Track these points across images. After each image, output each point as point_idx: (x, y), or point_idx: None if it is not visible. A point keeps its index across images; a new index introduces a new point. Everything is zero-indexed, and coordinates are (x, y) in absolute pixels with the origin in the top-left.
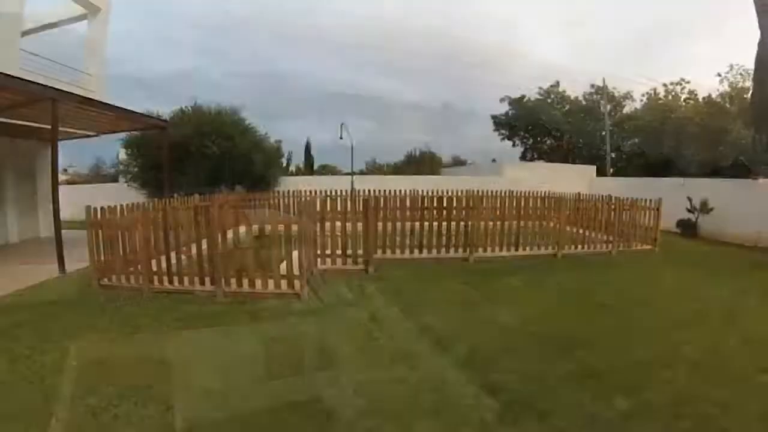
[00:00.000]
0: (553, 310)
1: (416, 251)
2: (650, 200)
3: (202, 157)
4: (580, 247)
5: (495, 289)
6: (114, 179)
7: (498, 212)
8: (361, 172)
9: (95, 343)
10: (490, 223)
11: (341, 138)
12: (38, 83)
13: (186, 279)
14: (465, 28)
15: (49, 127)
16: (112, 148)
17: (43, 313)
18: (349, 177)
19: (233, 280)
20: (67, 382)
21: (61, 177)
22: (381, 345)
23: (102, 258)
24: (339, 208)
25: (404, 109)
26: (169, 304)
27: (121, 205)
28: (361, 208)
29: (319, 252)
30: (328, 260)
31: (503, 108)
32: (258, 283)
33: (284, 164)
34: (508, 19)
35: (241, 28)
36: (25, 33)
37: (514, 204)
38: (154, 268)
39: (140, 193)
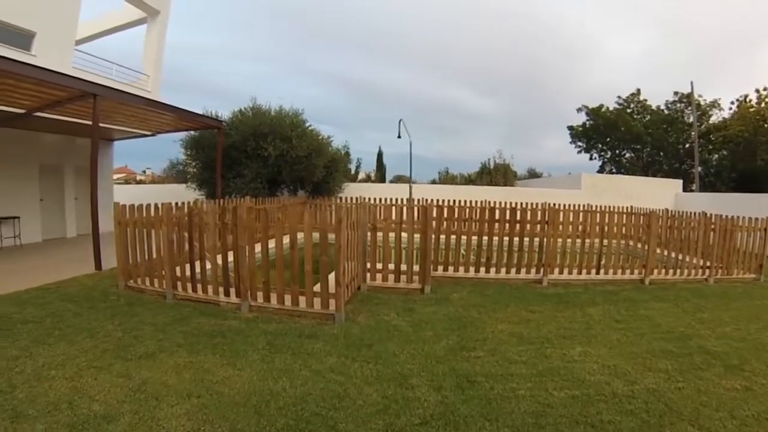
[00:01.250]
0: (645, 356)
1: (482, 269)
2: (756, 219)
3: (258, 158)
4: (671, 272)
5: (571, 321)
6: (184, 180)
7: (578, 228)
8: (433, 182)
9: (70, 359)
10: (568, 241)
11: (399, 137)
12: (81, 79)
13: (210, 288)
14: (542, 37)
15: (108, 126)
16: None
17: (54, 310)
18: (424, 187)
19: (260, 294)
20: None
21: (140, 176)
22: (413, 408)
23: (129, 258)
24: (394, 217)
25: (479, 121)
26: (187, 314)
27: (148, 205)
28: (419, 218)
29: (369, 266)
30: (379, 276)
31: (580, 118)
32: (288, 299)
33: (352, 171)
34: (585, 25)
35: (319, 38)
36: (88, 38)
37: (597, 220)
38: (178, 274)
39: (199, 193)
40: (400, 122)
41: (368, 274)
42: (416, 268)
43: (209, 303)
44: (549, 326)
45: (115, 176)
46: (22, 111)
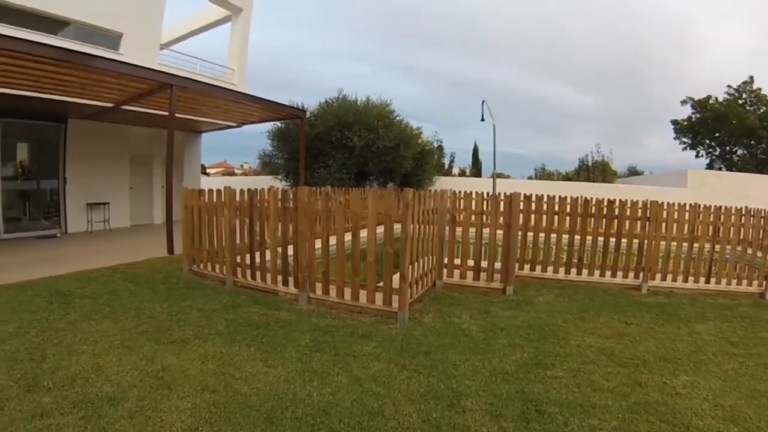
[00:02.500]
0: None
1: (572, 271)
2: None
3: (344, 149)
4: None
5: (674, 339)
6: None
7: (685, 229)
8: (529, 179)
9: (106, 336)
10: (673, 244)
11: (482, 119)
12: (157, 70)
13: (269, 276)
14: (641, 26)
15: (193, 118)
16: None
17: (113, 289)
18: (515, 181)
19: (319, 285)
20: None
21: (237, 170)
22: None
23: (194, 243)
24: (474, 207)
25: (579, 118)
26: (241, 302)
27: (211, 190)
28: (503, 210)
29: (446, 261)
30: (457, 273)
31: (685, 111)
32: (348, 292)
33: (446, 166)
34: (688, 11)
35: (415, 38)
36: (178, 39)
37: (710, 219)
38: (239, 260)
39: (285, 184)
40: (483, 103)
41: (445, 270)
42: (498, 265)
43: (268, 292)
44: (647, 344)
45: (215, 170)
46: (111, 104)
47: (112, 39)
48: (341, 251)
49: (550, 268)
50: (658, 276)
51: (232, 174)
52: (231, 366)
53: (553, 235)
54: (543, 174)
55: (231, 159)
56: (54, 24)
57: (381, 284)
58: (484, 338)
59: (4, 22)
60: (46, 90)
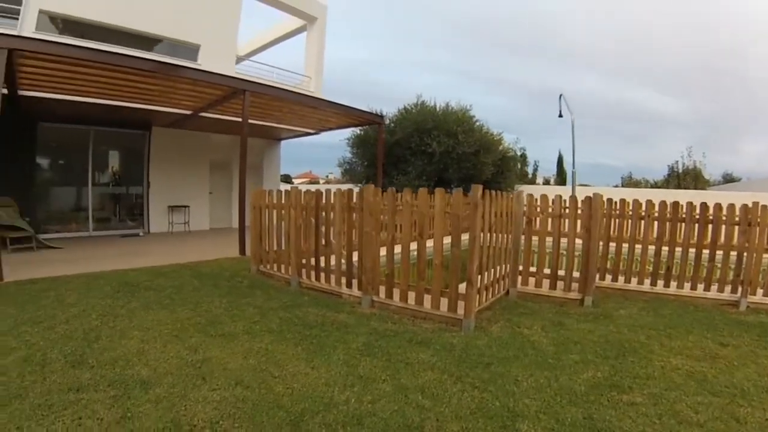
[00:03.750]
0: None
1: (659, 283)
2: None
3: (423, 155)
4: None
5: None
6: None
7: None
8: (615, 187)
9: (159, 325)
10: None
11: (560, 116)
12: (229, 76)
13: (333, 278)
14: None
15: (271, 124)
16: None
17: (179, 283)
18: (599, 189)
19: (383, 288)
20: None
21: (322, 180)
22: None
23: (262, 243)
24: (551, 210)
25: (668, 126)
26: (302, 302)
27: (279, 191)
28: (582, 213)
29: (521, 268)
30: (533, 280)
31: None
32: (412, 297)
33: (529, 175)
34: None
35: (500, 48)
36: (257, 50)
37: None
38: (304, 261)
39: None
40: (560, 98)
41: (520, 278)
42: (577, 274)
43: (332, 294)
44: (746, 370)
45: (300, 180)
46: (189, 112)
47: (191, 51)
48: (406, 252)
49: (634, 279)
50: (760, 291)
51: (315, 183)
52: (272, 363)
53: (638, 243)
54: (629, 183)
55: (317, 170)
56: (141, 41)
57: (447, 289)
58: (554, 352)
59: (102, 40)
60: (133, 99)
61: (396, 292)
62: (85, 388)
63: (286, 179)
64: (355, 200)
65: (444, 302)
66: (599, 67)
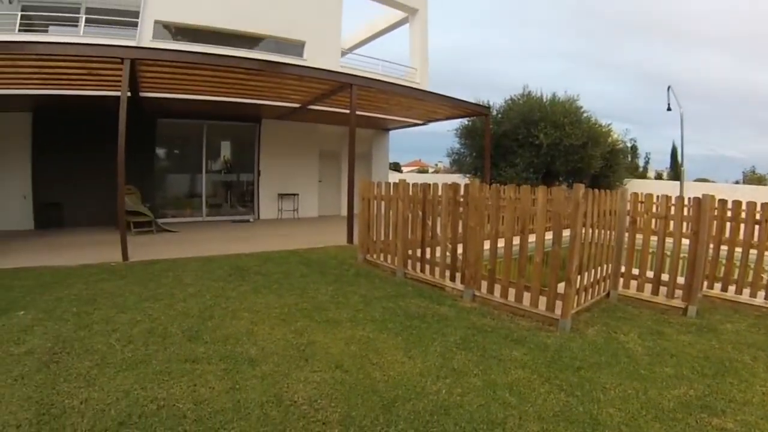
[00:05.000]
0: None
1: None
2: None
3: (530, 147)
4: None
5: None
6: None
7: None
8: (735, 183)
9: (268, 308)
10: None
11: (669, 109)
12: (336, 71)
13: (437, 270)
14: None
15: (379, 116)
16: None
17: (287, 269)
18: (714, 186)
19: (485, 283)
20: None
21: (431, 168)
22: None
23: (369, 233)
24: (656, 210)
25: None
26: (405, 293)
27: (388, 182)
28: (689, 214)
29: (623, 270)
30: (634, 284)
31: None
32: (512, 293)
33: (640, 168)
34: None
35: (617, 32)
36: (360, 43)
37: None
38: (410, 252)
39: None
40: (668, 89)
41: (621, 280)
42: (682, 280)
43: (435, 286)
44: None
45: (409, 168)
46: (297, 105)
47: (296, 47)
48: (508, 249)
49: (746, 291)
50: None
51: (424, 172)
52: (372, 351)
53: (754, 250)
54: (752, 178)
55: (426, 158)
56: (248, 40)
57: (546, 288)
58: (647, 363)
59: (211, 42)
60: (243, 95)
61: (497, 288)
62: (199, 360)
63: (396, 167)
64: (460, 195)
65: (543, 301)
66: (728, 48)
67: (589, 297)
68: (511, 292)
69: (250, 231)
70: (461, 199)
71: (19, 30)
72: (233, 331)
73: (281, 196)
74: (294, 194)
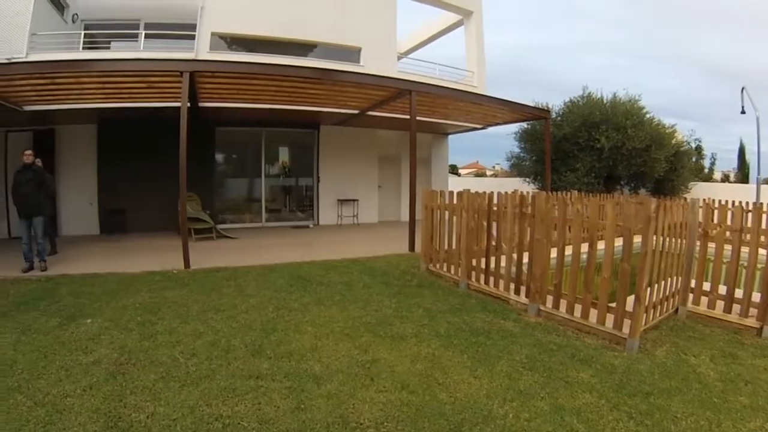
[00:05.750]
0: None
1: None
2: None
3: (591, 151)
4: None
5: None
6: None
7: None
8: None
9: (331, 322)
10: None
11: (743, 112)
12: (395, 78)
13: (502, 283)
14: None
15: (438, 120)
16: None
17: (350, 279)
18: None
19: (551, 298)
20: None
21: (489, 171)
22: None
23: (432, 243)
24: (730, 222)
25: None
26: (469, 306)
27: (452, 191)
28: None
29: (693, 284)
30: (705, 300)
31: None
32: (578, 309)
33: (705, 169)
34: None
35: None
36: (415, 48)
37: None
38: (474, 263)
39: (533, 187)
40: (742, 91)
41: (691, 296)
42: (758, 297)
43: (499, 299)
44: None
45: (467, 170)
46: (356, 111)
47: (352, 53)
48: (576, 264)
49: None
50: None
51: (482, 175)
52: (438, 370)
53: None
54: None
55: (483, 160)
56: (303, 47)
57: (614, 304)
58: (720, 390)
59: (266, 51)
60: (301, 103)
61: (563, 303)
62: (263, 377)
63: (453, 170)
64: (527, 206)
65: (610, 318)
66: None
67: (658, 314)
68: (578, 307)
69: (310, 238)
70: (527, 211)
71: (83, 47)
72: (297, 346)
73: (341, 201)
74: (354, 200)
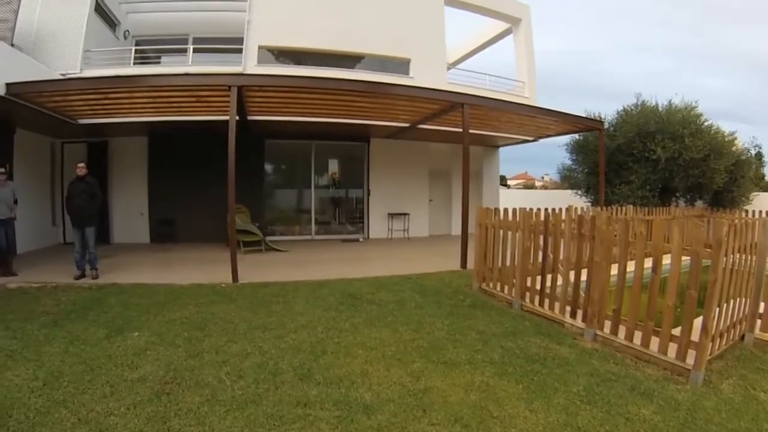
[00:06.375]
0: None
1: None
2: None
3: (647, 162)
4: None
5: None
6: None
7: None
8: None
9: (382, 345)
10: None
11: None
12: (447, 91)
13: (557, 305)
14: None
15: (488, 133)
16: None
17: (401, 298)
18: None
19: (609, 323)
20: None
21: (537, 182)
22: None
23: (485, 261)
24: None
25: None
26: (523, 329)
27: (506, 209)
28: None
29: (762, 309)
30: None
31: None
32: (638, 336)
33: (766, 177)
34: None
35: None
36: (463, 58)
37: None
38: (528, 284)
39: (585, 200)
40: None
41: (758, 322)
42: None
43: (553, 321)
44: None
45: (515, 181)
46: (407, 125)
47: (401, 65)
48: (637, 289)
49: None
50: None
51: (531, 187)
52: (493, 401)
53: None
54: None
55: (532, 170)
56: (351, 59)
57: (677, 332)
58: None
59: (314, 63)
60: (351, 116)
61: (622, 329)
62: (311, 404)
63: (502, 181)
64: (585, 226)
65: (672, 347)
66: None
67: (723, 342)
68: (637, 334)
69: (361, 252)
70: (586, 232)
71: (134, 63)
72: (347, 372)
73: (391, 215)
74: (404, 214)
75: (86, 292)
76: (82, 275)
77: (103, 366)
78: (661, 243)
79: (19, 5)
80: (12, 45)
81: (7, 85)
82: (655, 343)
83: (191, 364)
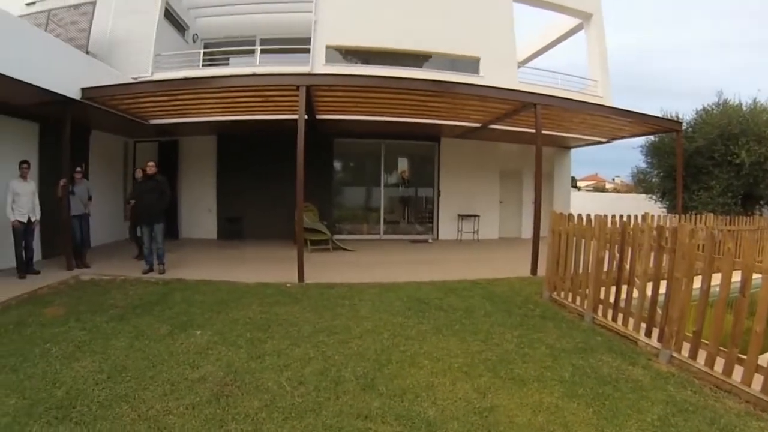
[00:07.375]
0: None
1: None
2: None
3: (729, 166)
4: None
5: None
6: (647, 190)
7: None
8: None
9: (450, 356)
10: None
11: None
12: (519, 91)
13: (631, 321)
14: None
15: (560, 134)
16: None
17: (470, 305)
18: None
19: (687, 345)
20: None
21: (609, 184)
22: None
23: (558, 270)
24: None
25: None
26: (594, 345)
27: (580, 215)
28: None
29: None
30: None
31: None
32: (719, 363)
33: None
34: None
35: None
36: (533, 55)
37: None
38: (602, 296)
39: (660, 206)
40: None
41: None
42: None
43: (626, 338)
44: None
45: (585, 183)
46: (478, 125)
47: (471, 64)
48: (721, 311)
49: None
50: None
51: (602, 189)
52: (561, 425)
53: None
54: None
55: (603, 172)
56: (419, 58)
57: (763, 360)
58: None
59: (382, 62)
60: (421, 116)
61: (701, 353)
62: (373, 418)
63: (572, 183)
64: (665, 239)
65: (758, 380)
66: None
67: None
68: (719, 361)
69: (430, 254)
70: (666, 245)
71: (203, 65)
72: (411, 383)
73: (461, 216)
74: (474, 215)
75: (153, 286)
76: (150, 269)
77: (165, 363)
78: (752, 261)
79: (93, 14)
80: (87, 52)
81: (82, 89)
82: (738, 372)
83: (252, 367)
